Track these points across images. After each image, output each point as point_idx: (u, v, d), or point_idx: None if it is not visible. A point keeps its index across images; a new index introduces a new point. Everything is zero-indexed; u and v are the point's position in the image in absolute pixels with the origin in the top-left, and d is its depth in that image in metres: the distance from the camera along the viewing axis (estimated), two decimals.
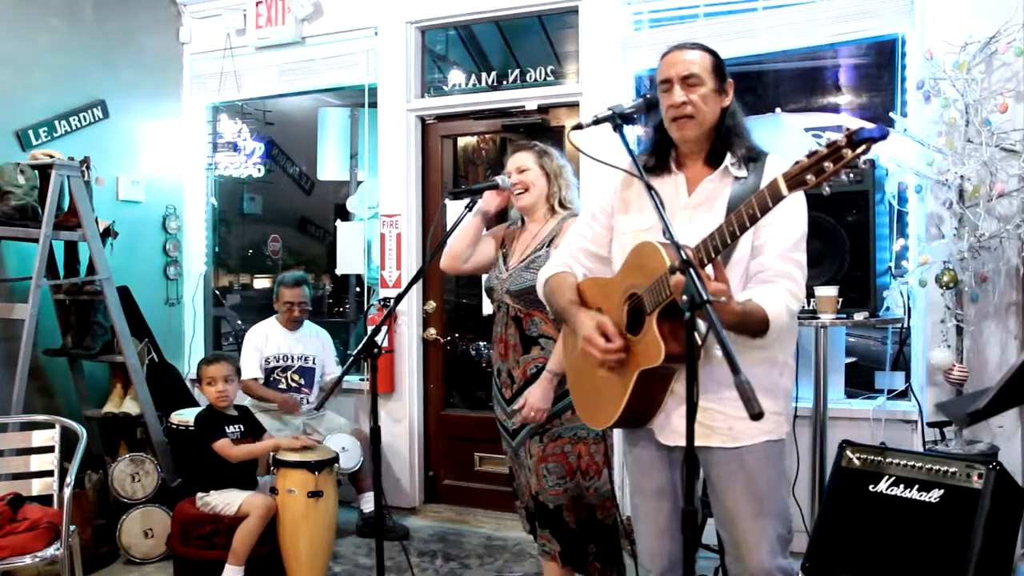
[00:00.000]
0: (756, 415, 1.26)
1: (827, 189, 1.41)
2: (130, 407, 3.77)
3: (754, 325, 1.70)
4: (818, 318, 2.92)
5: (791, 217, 1.77)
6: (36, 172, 3.46)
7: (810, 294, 2.87)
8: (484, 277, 2.82)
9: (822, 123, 3.75)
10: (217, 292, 5.20)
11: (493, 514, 4.11)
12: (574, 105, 4.00)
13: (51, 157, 3.46)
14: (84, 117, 4.15)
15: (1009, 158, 2.97)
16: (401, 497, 4.24)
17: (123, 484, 3.57)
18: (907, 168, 3.15)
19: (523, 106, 4.11)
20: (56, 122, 4.01)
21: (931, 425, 3.09)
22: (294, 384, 3.92)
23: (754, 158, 1.84)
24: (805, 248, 1.82)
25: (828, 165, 1.36)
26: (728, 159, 1.84)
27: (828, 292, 2.91)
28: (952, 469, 2.32)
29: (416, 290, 4.23)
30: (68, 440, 2.91)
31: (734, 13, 3.62)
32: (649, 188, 1.71)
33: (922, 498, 2.33)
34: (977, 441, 2.98)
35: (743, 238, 1.62)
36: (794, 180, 1.42)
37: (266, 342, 3.94)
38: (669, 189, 1.89)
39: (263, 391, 3.83)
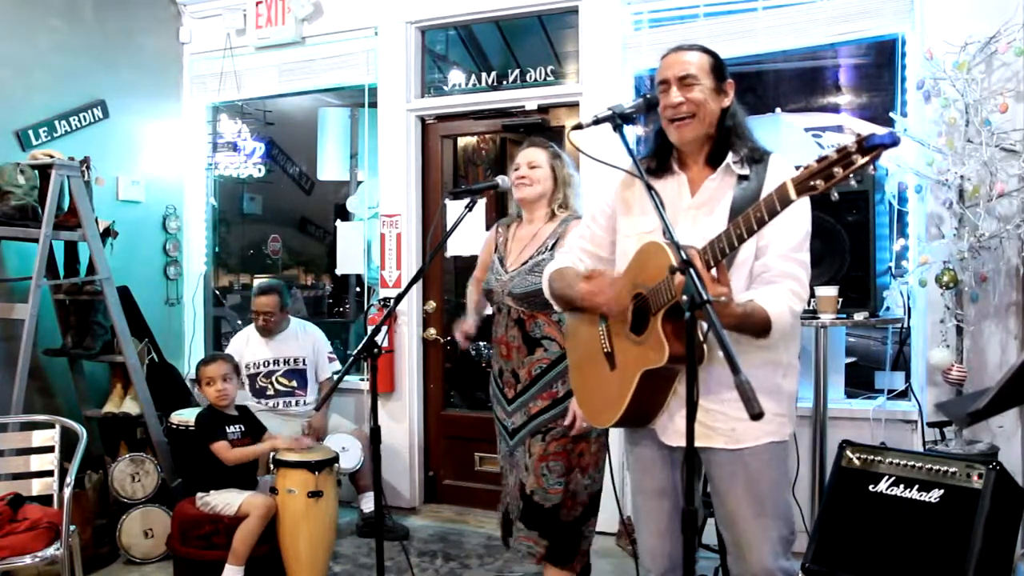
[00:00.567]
0: (756, 415, 1.26)
1: (835, 195, 1.41)
2: (130, 407, 3.77)
3: (756, 326, 1.70)
4: (818, 318, 2.92)
5: (795, 218, 1.76)
6: (36, 172, 3.46)
7: (810, 294, 2.87)
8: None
9: (822, 123, 3.76)
10: (217, 292, 5.20)
11: (493, 514, 4.07)
12: (574, 105, 4.00)
13: (51, 157, 3.46)
14: (84, 117, 4.15)
15: (1009, 158, 2.97)
16: (401, 497, 4.25)
17: (123, 484, 3.56)
18: (907, 168, 3.15)
19: (523, 106, 4.11)
20: (56, 122, 4.01)
21: (931, 425, 3.09)
22: (283, 388, 3.90)
23: (757, 159, 1.83)
24: (809, 248, 1.82)
25: (838, 171, 1.36)
26: (730, 157, 1.83)
27: (828, 292, 2.92)
28: (952, 469, 2.32)
29: (416, 290, 4.23)
30: (68, 440, 2.90)
31: (734, 13, 3.62)
32: (650, 189, 1.70)
33: (922, 498, 2.33)
34: (977, 441, 2.98)
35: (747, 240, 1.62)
36: (803, 185, 1.42)
37: (246, 348, 3.91)
38: (671, 190, 1.89)
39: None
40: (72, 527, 2.72)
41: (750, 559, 1.82)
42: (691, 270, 1.47)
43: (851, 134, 3.66)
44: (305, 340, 4.01)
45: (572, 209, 2.63)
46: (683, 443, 1.50)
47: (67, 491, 2.68)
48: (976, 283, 3.04)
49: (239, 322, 5.47)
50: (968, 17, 3.08)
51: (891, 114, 3.21)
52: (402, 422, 4.24)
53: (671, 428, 1.86)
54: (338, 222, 4.74)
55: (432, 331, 4.32)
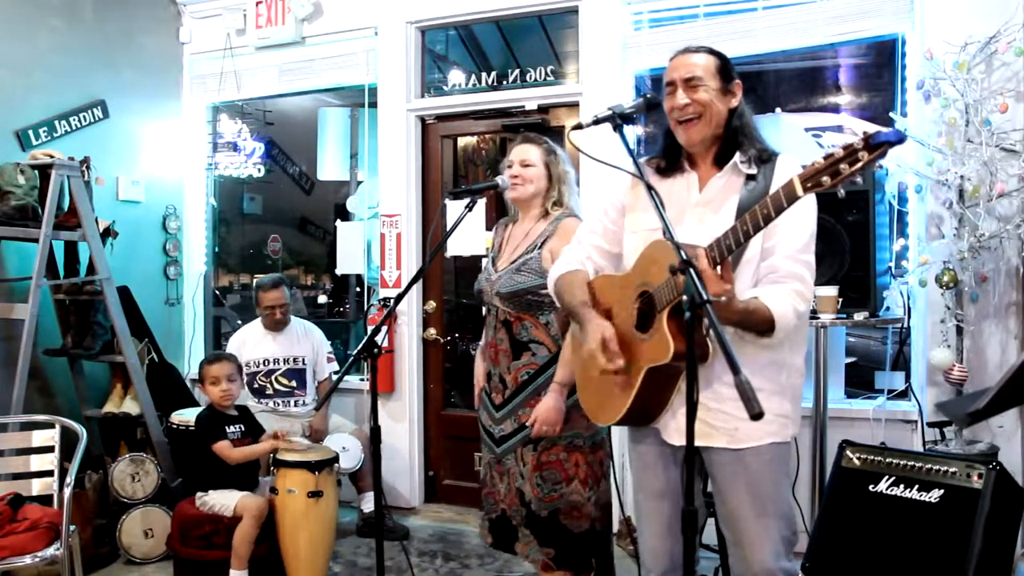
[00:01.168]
0: (756, 415, 1.26)
1: (842, 192, 1.42)
2: (130, 407, 3.77)
3: (759, 324, 1.71)
4: (818, 318, 2.92)
5: (801, 219, 1.77)
6: (36, 172, 3.46)
7: None
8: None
9: (822, 123, 3.76)
10: (217, 292, 5.20)
11: None
12: (574, 105, 4.00)
13: (51, 157, 3.46)
14: (84, 117, 4.15)
15: (1009, 158, 2.97)
16: (401, 497, 4.24)
17: (123, 484, 3.56)
18: (907, 168, 3.15)
19: (523, 106, 4.11)
20: (56, 122, 4.01)
21: (931, 425, 3.09)
22: (283, 388, 3.89)
23: (765, 159, 1.84)
24: (814, 250, 1.82)
25: (844, 167, 1.37)
26: (737, 157, 1.84)
27: (828, 292, 2.91)
28: (952, 469, 2.32)
29: (416, 290, 4.23)
30: (68, 440, 2.90)
31: (734, 13, 3.63)
32: (649, 189, 1.71)
33: (922, 498, 2.33)
34: (977, 441, 2.98)
35: (754, 238, 1.62)
36: (810, 181, 1.43)
37: (244, 347, 3.89)
38: (680, 188, 1.90)
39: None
40: (72, 527, 2.72)
41: (751, 559, 1.82)
42: (691, 270, 1.47)
43: (851, 134, 3.68)
44: (305, 339, 4.01)
45: (567, 207, 2.56)
46: (684, 442, 1.50)
47: (67, 491, 2.68)
48: (976, 283, 3.04)
49: (239, 322, 5.47)
50: (968, 17, 3.08)
51: (891, 114, 3.21)
52: (402, 422, 4.24)
53: (673, 426, 1.86)
54: (338, 222, 4.75)
55: (432, 331, 4.31)
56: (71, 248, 3.78)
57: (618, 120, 1.80)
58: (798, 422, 1.92)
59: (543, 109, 4.11)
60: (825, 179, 1.40)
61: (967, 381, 3.01)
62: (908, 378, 3.37)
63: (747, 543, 1.83)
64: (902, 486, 2.38)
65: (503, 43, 4.52)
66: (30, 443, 2.93)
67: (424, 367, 4.33)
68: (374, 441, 2.28)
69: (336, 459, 3.31)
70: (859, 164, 1.35)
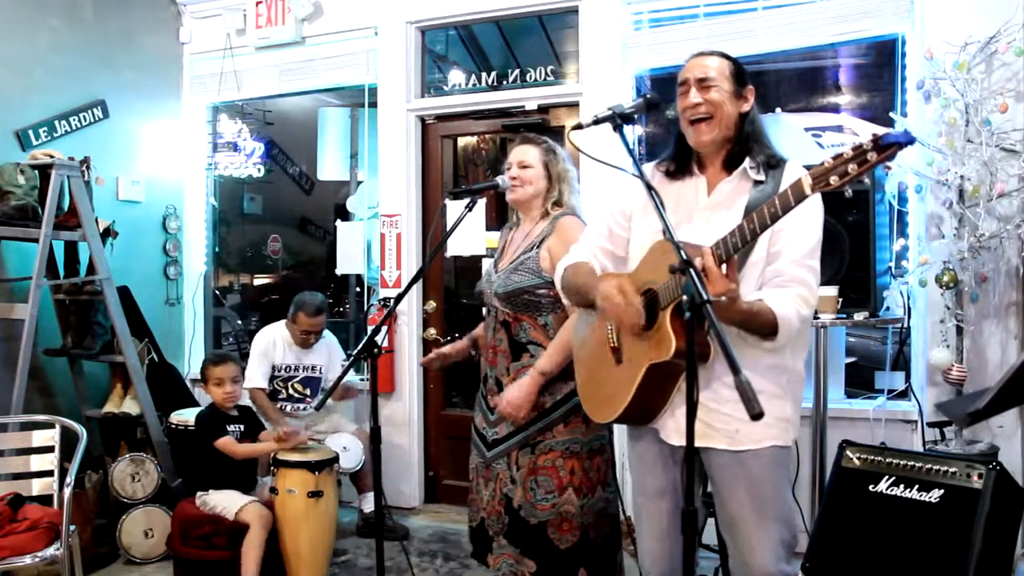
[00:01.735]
0: (756, 415, 1.26)
1: (849, 191, 1.43)
2: (130, 407, 3.77)
3: (762, 325, 1.71)
4: (818, 318, 2.92)
5: (808, 225, 1.78)
6: (36, 172, 3.46)
7: None
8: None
9: (822, 123, 3.75)
10: (217, 292, 5.20)
11: None
12: (574, 105, 4.00)
13: (51, 157, 3.46)
14: (84, 117, 4.15)
15: (1009, 158, 2.97)
16: (401, 497, 4.24)
17: (123, 484, 3.56)
18: (907, 168, 3.15)
19: (523, 106, 4.11)
20: (56, 122, 4.01)
21: (931, 425, 3.09)
22: (296, 394, 3.87)
23: (774, 165, 1.85)
24: (819, 255, 1.82)
25: (852, 167, 1.39)
26: (747, 162, 1.84)
27: (828, 292, 2.91)
28: (952, 469, 2.32)
29: (416, 290, 4.23)
30: (68, 440, 2.91)
31: (734, 13, 3.63)
32: (649, 188, 1.71)
33: (922, 498, 2.33)
34: (977, 441, 2.98)
35: (760, 241, 1.63)
36: (818, 181, 1.44)
37: (274, 350, 3.85)
38: (689, 190, 1.91)
39: (267, 405, 3.71)
40: (72, 527, 2.72)
41: (752, 562, 1.82)
42: (691, 270, 1.47)
43: (851, 134, 3.67)
44: (325, 349, 3.98)
45: (568, 206, 2.53)
46: (684, 442, 1.50)
47: (67, 491, 2.68)
48: (976, 283, 3.04)
49: (239, 322, 5.48)
50: (968, 17, 3.08)
51: (891, 114, 3.21)
52: (402, 422, 4.24)
53: (671, 426, 1.86)
54: (338, 222, 4.74)
55: (432, 331, 4.31)
56: (71, 248, 3.79)
57: (618, 120, 1.80)
58: (798, 426, 1.92)
59: (543, 109, 4.11)
60: (833, 179, 1.41)
61: (967, 381, 3.01)
62: (908, 378, 3.37)
63: (747, 546, 1.83)
64: (902, 486, 2.38)
65: (503, 43, 4.52)
66: (30, 443, 2.93)
67: (424, 367, 4.33)
68: (374, 441, 2.28)
69: (336, 459, 3.31)
70: (868, 165, 1.37)
